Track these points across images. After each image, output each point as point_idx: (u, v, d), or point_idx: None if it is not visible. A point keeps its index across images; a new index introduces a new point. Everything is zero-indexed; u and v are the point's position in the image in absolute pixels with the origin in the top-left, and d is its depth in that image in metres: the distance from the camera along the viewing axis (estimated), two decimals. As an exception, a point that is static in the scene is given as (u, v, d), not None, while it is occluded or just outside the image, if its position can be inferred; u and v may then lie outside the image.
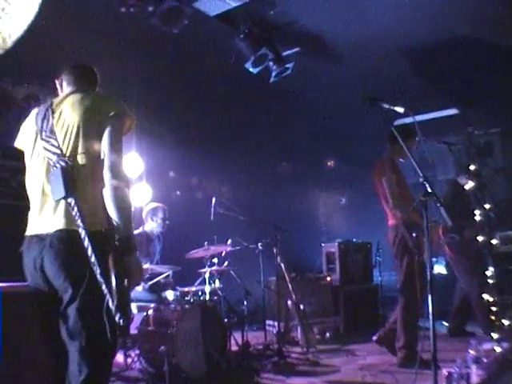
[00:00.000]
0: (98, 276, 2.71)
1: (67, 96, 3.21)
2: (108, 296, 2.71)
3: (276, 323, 6.99)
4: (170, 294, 6.42)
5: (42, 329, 3.06)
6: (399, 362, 5.78)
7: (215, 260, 6.87)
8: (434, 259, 8.91)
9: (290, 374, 5.85)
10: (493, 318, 6.40)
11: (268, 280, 7.69)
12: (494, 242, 7.38)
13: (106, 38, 6.47)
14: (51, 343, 3.00)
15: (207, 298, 6.44)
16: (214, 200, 7.01)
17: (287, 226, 7.35)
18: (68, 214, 2.84)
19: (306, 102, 9.01)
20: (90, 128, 3.00)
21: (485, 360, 4.55)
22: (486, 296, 6.62)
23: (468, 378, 4.58)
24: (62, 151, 2.95)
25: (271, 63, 6.96)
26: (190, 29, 6.00)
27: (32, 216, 3.05)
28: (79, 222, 2.76)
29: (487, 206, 6.92)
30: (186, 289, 6.57)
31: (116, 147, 2.98)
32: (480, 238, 6.91)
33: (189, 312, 5.76)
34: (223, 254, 7.11)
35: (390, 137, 6.00)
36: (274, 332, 7.20)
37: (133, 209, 3.02)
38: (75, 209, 2.78)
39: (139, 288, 6.69)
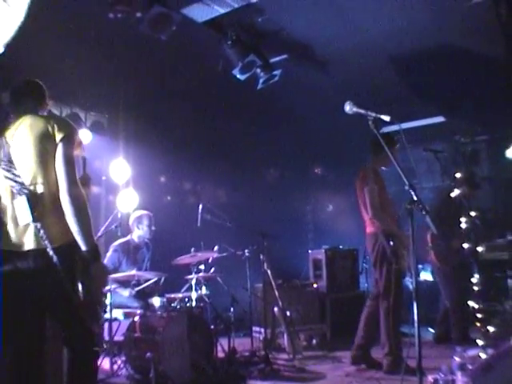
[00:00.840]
0: (68, 285, 3.11)
1: (18, 122, 3.38)
2: (77, 302, 3.15)
3: (262, 330, 6.99)
4: (156, 301, 6.40)
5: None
6: (385, 368, 5.78)
7: (202, 266, 6.84)
8: (420, 266, 8.94)
9: (277, 381, 5.86)
10: (478, 324, 6.42)
11: (255, 287, 7.68)
12: (480, 249, 7.41)
13: (93, 43, 6.45)
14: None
15: (194, 304, 6.41)
16: (200, 206, 7.01)
17: (274, 233, 7.35)
18: (36, 236, 3.15)
19: (294, 109, 9.04)
20: (44, 155, 3.24)
21: (470, 367, 4.56)
22: (471, 303, 6.64)
23: (453, 384, 4.60)
24: (22, 180, 3.22)
25: (259, 70, 6.98)
26: (178, 35, 6.00)
27: (6, 233, 3.26)
28: (46, 242, 3.10)
29: (473, 214, 6.96)
30: (173, 295, 6.55)
31: (68, 169, 3.23)
32: (466, 246, 6.94)
33: (175, 319, 5.75)
34: (210, 261, 7.09)
35: (372, 145, 6.05)
36: (261, 339, 7.19)
37: (92, 221, 3.27)
38: (41, 231, 3.11)
39: (126, 294, 6.69)
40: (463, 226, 6.87)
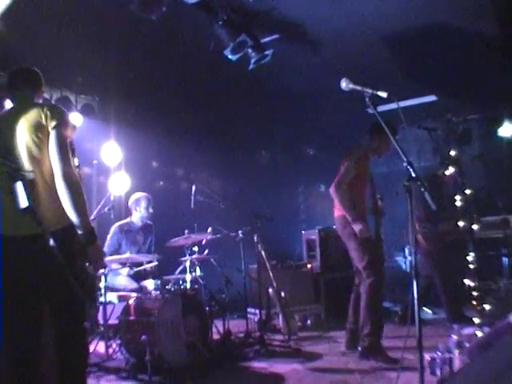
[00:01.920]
0: (64, 266, 3.12)
1: (14, 109, 3.52)
2: (74, 282, 3.19)
3: (257, 311, 7.00)
4: (150, 283, 6.40)
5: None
6: (363, 351, 5.62)
7: (196, 248, 6.81)
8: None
9: (273, 362, 5.87)
10: (474, 302, 6.45)
11: (249, 268, 7.67)
12: (475, 227, 7.44)
13: (84, 26, 6.38)
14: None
15: (188, 286, 6.40)
16: (194, 188, 6.98)
17: (267, 214, 7.34)
18: (32, 221, 3.14)
19: (286, 90, 8.98)
20: (39, 142, 3.33)
21: (467, 345, 4.57)
22: (466, 281, 6.67)
23: (451, 362, 4.61)
24: (19, 166, 3.28)
25: (250, 50, 6.89)
26: (169, 16, 5.93)
27: (4, 219, 3.32)
28: (42, 226, 3.13)
29: (468, 192, 6.96)
30: (167, 277, 6.54)
31: (62, 155, 3.31)
32: (461, 224, 6.95)
33: (170, 301, 5.73)
34: (204, 243, 7.07)
35: (372, 131, 5.98)
36: (256, 320, 7.20)
37: (87, 205, 3.38)
38: (37, 216, 3.14)
39: (124, 273, 6.70)
40: (458, 204, 6.87)
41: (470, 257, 6.73)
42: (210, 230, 6.97)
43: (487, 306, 6.15)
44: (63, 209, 3.28)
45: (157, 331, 5.39)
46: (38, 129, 3.32)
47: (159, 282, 6.31)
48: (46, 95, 7.67)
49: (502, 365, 3.18)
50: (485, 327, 5.03)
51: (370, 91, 3.68)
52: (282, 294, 7.00)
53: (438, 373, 4.64)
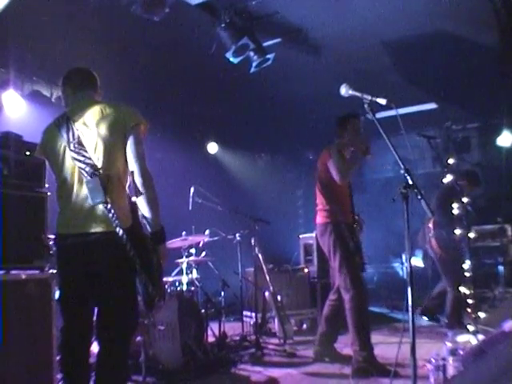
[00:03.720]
0: (137, 265, 3.21)
1: (83, 106, 3.46)
2: (144, 276, 3.26)
3: (253, 314, 7.00)
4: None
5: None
6: (357, 367, 5.32)
7: (193, 250, 6.83)
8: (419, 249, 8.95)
9: (267, 365, 5.87)
10: (469, 310, 6.45)
11: (245, 271, 7.66)
12: (472, 235, 7.44)
13: (82, 27, 6.40)
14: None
15: (184, 288, 6.41)
16: (192, 190, 6.99)
17: (265, 217, 7.34)
18: (105, 217, 3.20)
19: (286, 94, 9.00)
20: (116, 140, 3.33)
21: (461, 352, 4.58)
22: (462, 289, 6.67)
23: (444, 369, 4.61)
24: (93, 161, 3.26)
25: (252, 53, 6.91)
26: (172, 17, 5.94)
27: (64, 218, 3.38)
28: (117, 223, 3.17)
29: (465, 200, 6.97)
30: (163, 279, 6.52)
31: (140, 155, 3.34)
32: (458, 232, 6.95)
33: (166, 302, 5.71)
34: (201, 245, 7.06)
35: (337, 125, 5.87)
36: (251, 323, 7.21)
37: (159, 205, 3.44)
38: (111, 211, 3.18)
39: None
40: (455, 212, 6.88)
41: (466, 265, 6.73)
42: (207, 232, 6.98)
43: (482, 314, 6.15)
44: (130, 208, 3.36)
45: (152, 333, 5.39)
46: (116, 127, 3.33)
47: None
48: (47, 93, 7.71)
49: (496, 373, 3.19)
50: (479, 335, 5.04)
51: (369, 98, 3.68)
52: (279, 298, 7.02)
53: (432, 380, 4.65)
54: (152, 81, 8.15)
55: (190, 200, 6.96)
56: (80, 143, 3.30)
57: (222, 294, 7.10)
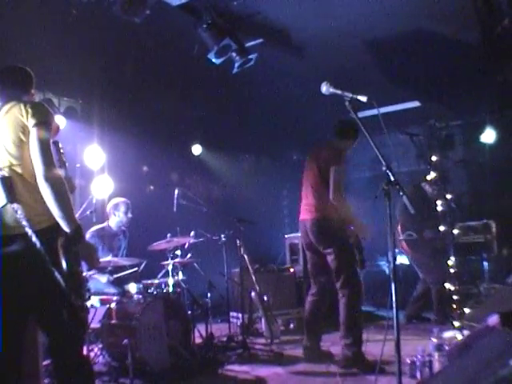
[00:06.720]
0: (50, 266, 3.08)
1: (4, 106, 3.42)
2: (61, 281, 3.11)
3: (240, 315, 7.01)
4: (132, 287, 6.36)
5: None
6: (346, 361, 5.48)
7: (178, 252, 6.79)
8: (396, 250, 8.99)
9: (255, 366, 5.89)
10: (454, 306, 6.49)
11: (231, 272, 7.67)
12: (456, 232, 7.49)
13: (66, 28, 6.35)
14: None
15: (170, 290, 6.38)
16: (176, 192, 6.97)
17: (250, 218, 7.34)
18: (13, 218, 3.15)
19: (270, 94, 8.99)
20: (20, 139, 3.27)
21: (447, 347, 4.61)
22: (447, 285, 6.71)
23: (430, 365, 4.65)
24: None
25: (234, 54, 6.90)
26: (153, 19, 5.92)
27: None
28: (24, 222, 3.10)
29: (449, 197, 7.01)
30: (149, 281, 6.51)
31: (43, 154, 3.21)
32: (442, 228, 6.99)
33: (152, 305, 5.72)
34: (186, 246, 7.05)
35: (340, 127, 5.95)
36: (238, 324, 7.21)
37: (72, 202, 3.30)
38: (19, 213, 3.11)
39: (104, 280, 6.63)
40: (439, 208, 6.91)
41: (451, 261, 6.77)
42: (192, 233, 6.96)
43: (467, 310, 6.19)
44: (47, 209, 3.19)
45: (139, 335, 5.38)
46: (18, 127, 3.27)
47: (141, 285, 6.29)
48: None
49: (481, 366, 3.21)
50: (465, 331, 5.07)
51: (349, 95, 3.67)
52: (265, 298, 7.01)
53: (418, 375, 4.68)
54: (135, 83, 8.11)
55: (175, 202, 6.95)
56: None
57: (209, 295, 7.08)
